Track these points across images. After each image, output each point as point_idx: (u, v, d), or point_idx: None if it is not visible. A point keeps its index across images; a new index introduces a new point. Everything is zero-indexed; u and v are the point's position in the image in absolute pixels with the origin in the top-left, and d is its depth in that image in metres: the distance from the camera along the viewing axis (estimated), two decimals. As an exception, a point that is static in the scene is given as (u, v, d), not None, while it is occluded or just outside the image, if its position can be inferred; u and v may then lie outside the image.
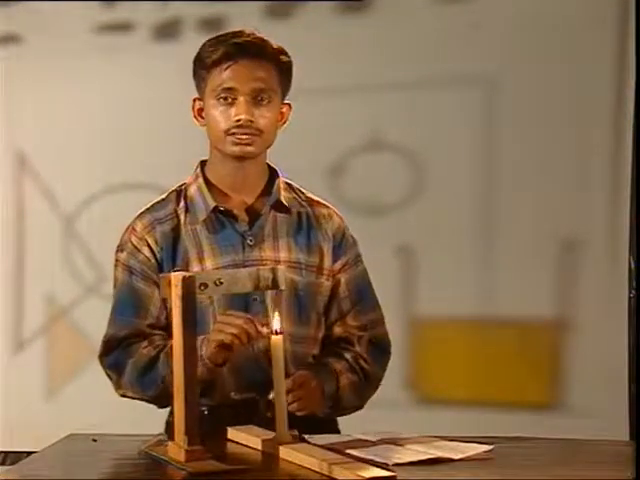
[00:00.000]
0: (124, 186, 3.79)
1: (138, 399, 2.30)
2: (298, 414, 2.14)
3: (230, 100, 2.26)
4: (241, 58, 2.26)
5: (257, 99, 2.26)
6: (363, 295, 2.41)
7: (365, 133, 3.72)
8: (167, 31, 3.82)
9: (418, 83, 3.70)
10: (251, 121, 2.25)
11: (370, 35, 3.71)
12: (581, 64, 3.62)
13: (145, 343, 2.27)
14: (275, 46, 2.30)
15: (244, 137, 2.26)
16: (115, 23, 3.84)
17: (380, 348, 2.41)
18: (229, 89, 2.26)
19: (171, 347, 2.02)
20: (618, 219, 3.61)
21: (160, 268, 2.28)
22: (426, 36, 3.69)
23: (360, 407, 2.37)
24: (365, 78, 3.70)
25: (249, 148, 2.28)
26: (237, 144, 2.27)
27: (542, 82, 3.63)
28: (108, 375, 2.32)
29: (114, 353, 2.29)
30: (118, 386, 2.31)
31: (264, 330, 2.12)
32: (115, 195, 3.80)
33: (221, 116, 2.27)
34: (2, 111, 3.87)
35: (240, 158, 2.30)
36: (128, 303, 2.30)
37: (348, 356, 2.35)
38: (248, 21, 3.63)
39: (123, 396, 2.32)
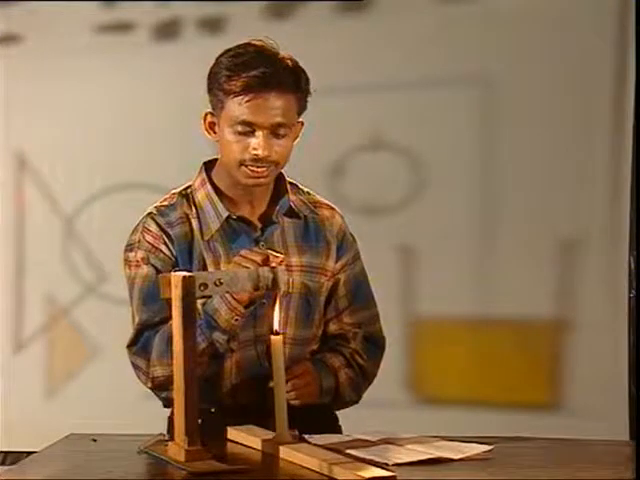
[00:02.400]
0: (124, 186, 3.79)
1: (165, 384, 2.19)
2: (293, 403, 2.14)
3: (248, 132, 2.21)
4: (262, 91, 2.19)
5: (276, 132, 2.21)
6: (360, 293, 2.41)
7: (365, 133, 3.72)
8: (167, 31, 3.82)
9: (418, 83, 3.70)
10: (268, 155, 2.21)
11: (370, 35, 3.71)
12: (581, 64, 3.62)
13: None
14: (294, 69, 2.23)
15: (260, 170, 2.22)
16: (115, 23, 3.84)
17: (375, 344, 2.42)
18: (248, 122, 2.20)
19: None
20: (618, 219, 3.61)
21: (178, 267, 2.23)
22: (426, 36, 3.69)
23: (357, 401, 2.39)
24: (365, 78, 3.70)
25: (262, 180, 2.25)
26: (251, 177, 2.23)
27: (542, 82, 3.63)
28: (136, 366, 2.25)
29: (144, 335, 2.23)
30: (147, 371, 2.23)
31: (277, 261, 2.10)
32: (115, 195, 3.80)
33: (237, 145, 2.22)
34: (2, 111, 3.87)
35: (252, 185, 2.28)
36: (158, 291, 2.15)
37: (345, 352, 2.36)
38: (248, 21, 3.66)
39: (153, 386, 2.23)
